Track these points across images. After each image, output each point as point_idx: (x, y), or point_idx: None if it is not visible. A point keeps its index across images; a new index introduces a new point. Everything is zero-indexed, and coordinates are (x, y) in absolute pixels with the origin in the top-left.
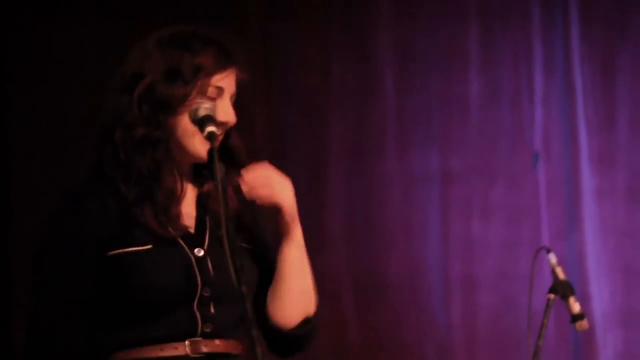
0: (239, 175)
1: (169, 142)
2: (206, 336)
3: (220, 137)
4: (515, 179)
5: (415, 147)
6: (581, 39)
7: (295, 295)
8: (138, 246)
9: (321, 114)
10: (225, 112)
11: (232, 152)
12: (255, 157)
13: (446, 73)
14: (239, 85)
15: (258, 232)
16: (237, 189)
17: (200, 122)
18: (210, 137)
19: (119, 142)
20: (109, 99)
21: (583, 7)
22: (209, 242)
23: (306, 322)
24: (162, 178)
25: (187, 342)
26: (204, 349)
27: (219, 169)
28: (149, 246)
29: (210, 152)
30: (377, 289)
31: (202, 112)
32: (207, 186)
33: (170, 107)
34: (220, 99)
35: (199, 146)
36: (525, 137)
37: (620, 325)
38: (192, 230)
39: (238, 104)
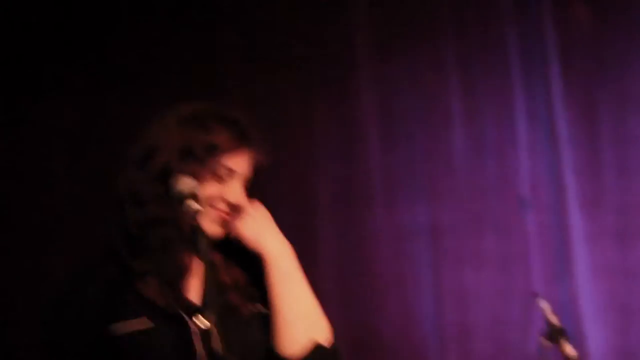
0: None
1: (181, 220)
2: None
3: (232, 219)
4: (504, 227)
5: (403, 201)
6: (562, 85)
7: (289, 322)
8: (139, 324)
9: (307, 175)
10: (233, 193)
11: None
12: None
13: (429, 127)
14: (256, 167)
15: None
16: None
17: (180, 197)
18: (191, 213)
19: (131, 218)
20: (125, 172)
21: (562, 55)
22: (216, 314)
23: (316, 348)
24: (171, 254)
25: None
26: None
27: (203, 243)
28: (151, 325)
29: (193, 227)
30: (372, 345)
31: (180, 187)
32: (215, 258)
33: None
34: (232, 180)
35: (207, 223)
36: (512, 185)
37: None
38: (198, 303)
39: None
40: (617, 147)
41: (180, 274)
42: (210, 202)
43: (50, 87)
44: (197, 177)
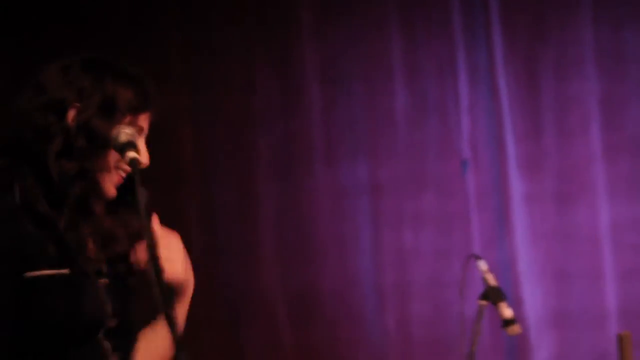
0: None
1: (98, 175)
2: None
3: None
4: (444, 188)
5: (343, 158)
6: (504, 45)
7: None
8: (55, 269)
9: (248, 132)
10: (142, 153)
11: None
12: (184, 180)
13: (371, 85)
14: (150, 125)
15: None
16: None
17: (122, 148)
18: (133, 163)
19: (54, 173)
20: (32, 116)
21: (504, 15)
22: (107, 270)
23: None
24: (90, 209)
25: None
26: None
27: (142, 194)
28: (66, 270)
29: (132, 178)
30: (311, 303)
31: (123, 138)
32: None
33: (104, 141)
34: (139, 138)
35: (108, 184)
36: (452, 145)
37: (553, 328)
38: (103, 261)
39: (164, 127)
40: (558, 110)
41: (95, 230)
42: (115, 164)
43: None
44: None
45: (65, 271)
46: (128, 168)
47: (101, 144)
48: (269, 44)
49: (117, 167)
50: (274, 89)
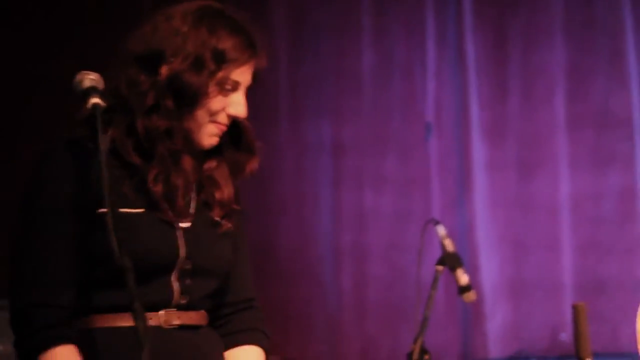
0: (248, 158)
1: (186, 132)
2: (180, 308)
3: (226, 127)
4: (406, 151)
5: (307, 118)
6: (473, 12)
7: None
8: (131, 208)
9: None
10: (237, 106)
11: (241, 136)
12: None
13: (338, 45)
14: (255, 75)
15: (237, 238)
16: (237, 175)
17: (84, 94)
18: (95, 108)
19: (140, 130)
20: (128, 70)
21: None
22: (195, 218)
23: None
24: (180, 163)
25: (162, 313)
26: (177, 321)
27: (103, 139)
28: (142, 210)
29: (93, 117)
30: (268, 259)
31: (86, 84)
32: (209, 164)
33: (193, 99)
34: (235, 92)
35: (206, 138)
36: (417, 109)
37: (508, 296)
38: (183, 206)
39: None
40: (523, 78)
41: (184, 183)
42: (212, 117)
43: None
44: (203, 89)
45: (139, 210)
46: (225, 120)
47: (190, 101)
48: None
49: (213, 121)
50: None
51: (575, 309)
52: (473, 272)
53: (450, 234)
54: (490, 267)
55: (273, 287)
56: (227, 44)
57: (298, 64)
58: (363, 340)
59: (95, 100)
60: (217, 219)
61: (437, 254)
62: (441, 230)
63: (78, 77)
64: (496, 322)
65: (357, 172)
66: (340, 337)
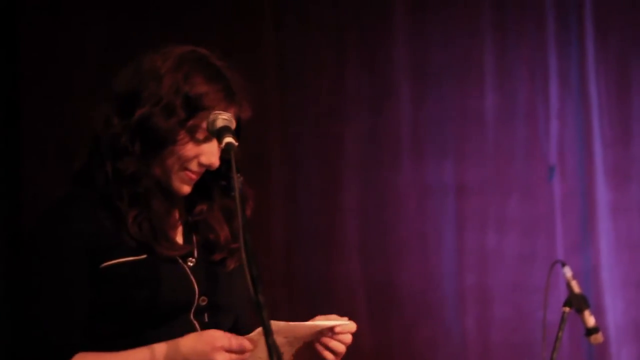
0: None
1: (156, 177)
2: None
3: (197, 177)
4: (530, 192)
5: (430, 158)
6: (596, 51)
7: None
8: (133, 256)
9: (336, 125)
10: (209, 156)
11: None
12: (269, 165)
13: (461, 86)
14: (239, 120)
15: None
16: (231, 220)
17: (218, 134)
18: (228, 148)
19: (110, 173)
20: (105, 110)
21: (598, 19)
22: (198, 255)
23: None
24: (150, 206)
25: None
26: None
27: (237, 178)
28: (144, 256)
29: (228, 163)
30: (390, 300)
31: (219, 124)
32: (199, 208)
33: (161, 144)
34: (209, 141)
35: (177, 185)
36: (540, 150)
37: (634, 339)
38: (181, 244)
39: (254, 125)
40: None
41: (163, 221)
42: (183, 164)
43: None
44: (171, 136)
45: (142, 257)
46: (196, 168)
47: (157, 146)
48: (360, 39)
49: (184, 168)
50: (364, 83)
51: None
52: (598, 314)
53: (575, 275)
54: (615, 308)
55: (395, 329)
56: (201, 91)
57: (421, 105)
58: None
59: (228, 139)
60: (218, 259)
61: (560, 295)
62: (568, 271)
63: (211, 116)
64: None
65: (480, 214)
66: None
